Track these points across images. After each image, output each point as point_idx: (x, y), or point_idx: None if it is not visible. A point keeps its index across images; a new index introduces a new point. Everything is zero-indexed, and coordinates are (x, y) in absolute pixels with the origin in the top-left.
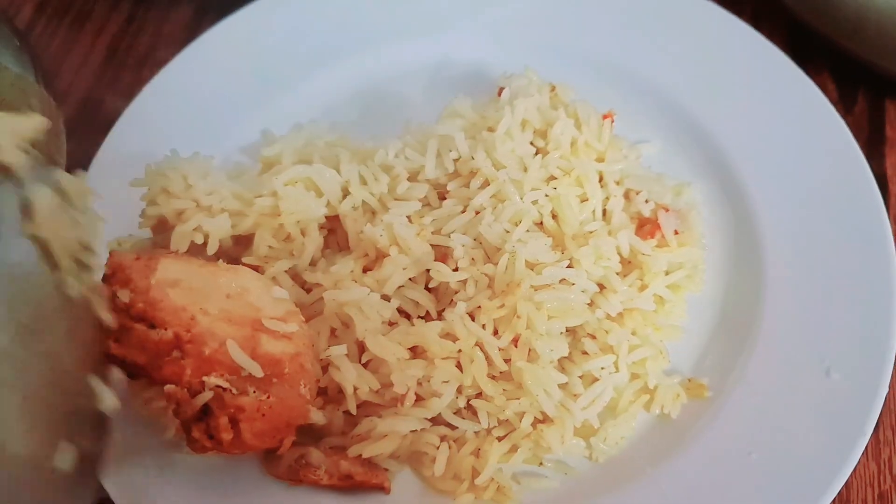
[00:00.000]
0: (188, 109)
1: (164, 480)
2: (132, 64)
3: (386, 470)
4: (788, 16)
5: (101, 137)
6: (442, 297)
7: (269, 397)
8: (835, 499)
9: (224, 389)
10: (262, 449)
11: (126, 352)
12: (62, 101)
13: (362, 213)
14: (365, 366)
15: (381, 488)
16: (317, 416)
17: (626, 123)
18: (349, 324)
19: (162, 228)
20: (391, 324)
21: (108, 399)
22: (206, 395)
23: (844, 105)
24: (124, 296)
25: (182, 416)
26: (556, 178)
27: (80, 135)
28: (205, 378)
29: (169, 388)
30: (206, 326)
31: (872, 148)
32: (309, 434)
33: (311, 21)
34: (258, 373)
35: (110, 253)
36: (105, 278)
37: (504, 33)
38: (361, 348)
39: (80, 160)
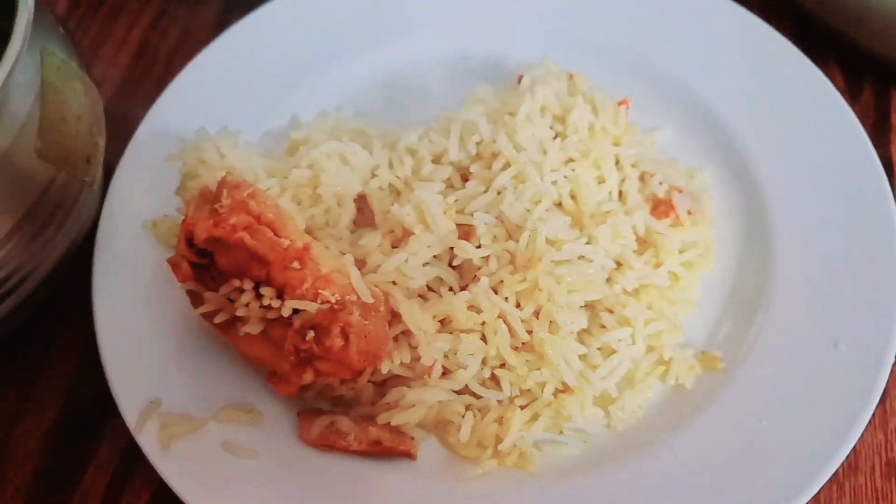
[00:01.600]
0: (217, 99)
1: (199, 445)
2: (162, 58)
3: (412, 438)
4: (795, 7)
5: (133, 127)
6: (465, 273)
7: (369, 324)
8: (845, 466)
9: (336, 305)
10: (358, 368)
11: (257, 246)
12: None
13: (388, 193)
14: (395, 340)
15: (408, 455)
16: (385, 365)
17: (640, 112)
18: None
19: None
20: (420, 296)
21: None
22: (323, 306)
23: (851, 93)
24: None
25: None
26: (574, 161)
27: (113, 124)
28: (320, 291)
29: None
30: (319, 252)
31: (878, 134)
32: (339, 404)
33: (336, 13)
34: (369, 298)
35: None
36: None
37: (522, 25)
38: (390, 324)
39: (112, 150)
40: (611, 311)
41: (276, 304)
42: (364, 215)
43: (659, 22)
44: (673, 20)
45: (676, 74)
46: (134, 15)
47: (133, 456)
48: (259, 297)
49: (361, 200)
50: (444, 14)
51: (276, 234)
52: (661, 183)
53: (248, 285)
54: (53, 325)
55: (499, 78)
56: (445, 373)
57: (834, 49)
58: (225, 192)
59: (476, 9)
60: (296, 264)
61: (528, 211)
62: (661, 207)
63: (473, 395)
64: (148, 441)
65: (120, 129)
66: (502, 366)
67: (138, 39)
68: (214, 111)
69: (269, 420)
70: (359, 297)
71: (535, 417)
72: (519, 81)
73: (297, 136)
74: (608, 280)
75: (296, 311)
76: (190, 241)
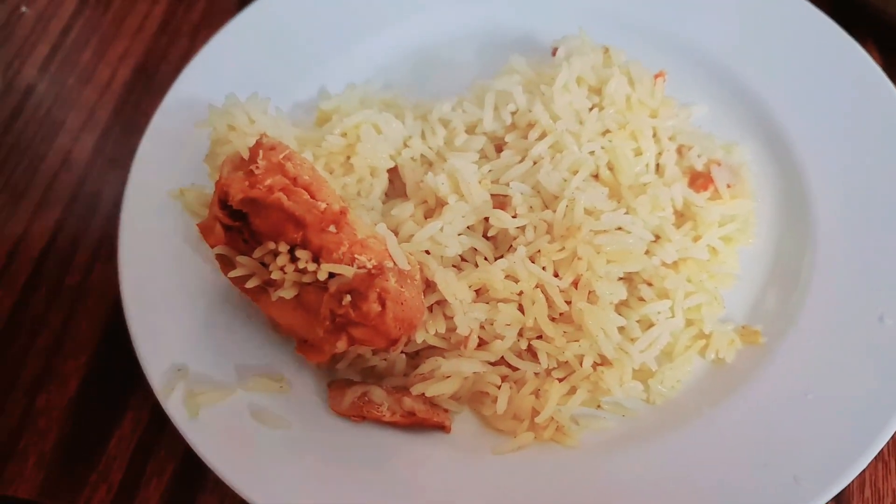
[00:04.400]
0: (245, 69)
1: (228, 413)
2: (186, 31)
3: (446, 410)
4: None
5: (157, 100)
6: (500, 244)
7: (405, 291)
8: (891, 444)
9: (374, 269)
10: (394, 336)
11: (294, 207)
12: (119, 64)
13: (420, 163)
14: (429, 310)
15: (442, 427)
16: (420, 334)
17: (676, 86)
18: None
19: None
20: (455, 267)
21: None
22: (360, 271)
23: (888, 70)
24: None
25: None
26: (611, 132)
27: (137, 96)
28: (357, 256)
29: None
30: (356, 217)
31: None
32: (370, 375)
33: None
34: (405, 265)
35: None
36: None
37: (553, 1)
38: (424, 294)
39: (137, 120)
40: (650, 284)
41: (311, 267)
42: (395, 186)
43: None
44: None
45: (712, 50)
46: None
47: (157, 426)
48: (294, 260)
49: (393, 172)
50: None
51: (312, 197)
52: (699, 156)
53: (283, 248)
54: (76, 296)
55: (529, 51)
56: (481, 343)
57: (871, 26)
58: (261, 153)
59: None
60: (332, 228)
61: (566, 181)
62: (699, 181)
63: (510, 366)
64: (175, 409)
65: (143, 103)
66: (539, 337)
67: (162, 13)
68: (243, 81)
69: (298, 390)
70: (395, 264)
71: (572, 390)
72: (553, 54)
73: (326, 106)
74: (647, 252)
75: (331, 275)
76: (224, 202)
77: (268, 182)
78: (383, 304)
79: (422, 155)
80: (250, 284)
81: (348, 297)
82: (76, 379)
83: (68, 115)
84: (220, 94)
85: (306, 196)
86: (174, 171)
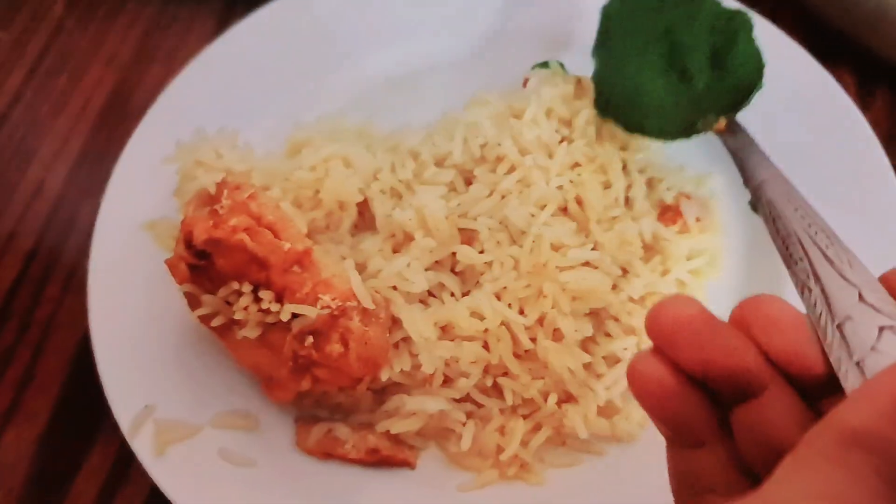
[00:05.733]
0: (217, 99)
1: (195, 452)
2: (161, 57)
3: (413, 446)
4: (807, 12)
5: (131, 128)
6: (468, 279)
7: (369, 331)
8: None
9: (335, 311)
10: (357, 375)
11: (257, 248)
12: (93, 92)
13: (389, 196)
14: (395, 347)
15: (407, 464)
16: (385, 372)
17: None
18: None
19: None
20: (422, 302)
21: None
22: (323, 312)
23: (863, 101)
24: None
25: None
26: (580, 165)
27: (112, 125)
28: (321, 296)
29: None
30: (320, 256)
31: (891, 143)
32: (338, 411)
33: (340, 15)
34: (370, 304)
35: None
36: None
37: (529, 30)
38: (390, 331)
39: (110, 150)
40: (616, 320)
41: (275, 307)
42: (365, 219)
43: None
44: None
45: None
46: (134, 14)
47: (126, 462)
48: (258, 300)
49: (363, 204)
50: (449, 16)
51: (276, 237)
52: (668, 189)
53: (246, 288)
54: (46, 328)
55: (504, 81)
56: (447, 380)
57: (847, 56)
58: (225, 192)
59: (482, 11)
60: (296, 268)
61: (533, 216)
62: (668, 214)
63: (475, 403)
64: (142, 447)
65: (117, 131)
66: (505, 374)
67: (137, 38)
68: (215, 112)
69: (267, 427)
70: (359, 303)
71: (537, 427)
72: (525, 84)
73: (298, 137)
74: (614, 287)
75: (295, 315)
76: (189, 242)
77: (232, 222)
78: (346, 345)
79: (391, 187)
80: (216, 323)
81: (310, 338)
82: (46, 412)
83: (41, 145)
84: (193, 125)
85: (270, 236)
86: (146, 203)
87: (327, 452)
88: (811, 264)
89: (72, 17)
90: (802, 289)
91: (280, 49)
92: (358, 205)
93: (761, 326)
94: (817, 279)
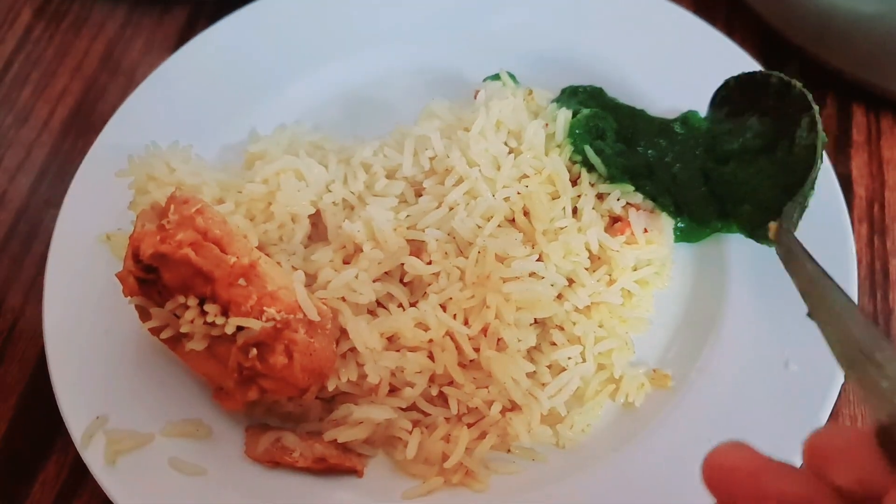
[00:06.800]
0: (176, 112)
1: (146, 461)
2: (125, 68)
3: (360, 454)
4: (760, 23)
5: (93, 139)
6: (416, 290)
7: (314, 342)
8: None
9: (279, 323)
10: (302, 386)
11: (202, 263)
12: (58, 102)
13: (342, 208)
14: (342, 357)
15: (354, 471)
16: (332, 382)
17: None
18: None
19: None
20: (370, 312)
21: None
22: (267, 324)
23: (844, 124)
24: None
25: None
26: (528, 177)
27: (75, 135)
28: (266, 308)
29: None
30: (267, 269)
31: (839, 151)
32: (288, 420)
33: (297, 26)
34: (315, 317)
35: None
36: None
37: (483, 40)
38: (337, 341)
39: (74, 160)
40: (561, 329)
41: (220, 321)
42: (319, 230)
43: (622, 39)
44: (636, 37)
45: (639, 93)
46: (98, 26)
47: (82, 472)
48: (204, 313)
49: (316, 215)
50: (404, 28)
51: (222, 251)
52: (618, 199)
53: (192, 302)
54: (7, 339)
55: (459, 92)
56: (393, 390)
57: (798, 65)
58: (173, 207)
59: (438, 24)
60: (241, 281)
61: (479, 227)
62: (617, 224)
63: (421, 412)
64: (94, 457)
65: (80, 142)
66: (450, 383)
67: (102, 49)
68: (174, 124)
69: (218, 436)
70: (305, 315)
71: (482, 435)
72: (475, 96)
73: (254, 149)
74: (559, 297)
75: (240, 328)
76: (136, 256)
77: (178, 237)
78: (290, 356)
79: (344, 199)
80: (165, 335)
81: (254, 350)
82: (3, 423)
83: (5, 155)
84: (151, 137)
85: (216, 250)
86: (104, 215)
87: (275, 461)
88: None
89: (38, 27)
90: None
91: (238, 61)
92: (311, 216)
93: None
94: None
